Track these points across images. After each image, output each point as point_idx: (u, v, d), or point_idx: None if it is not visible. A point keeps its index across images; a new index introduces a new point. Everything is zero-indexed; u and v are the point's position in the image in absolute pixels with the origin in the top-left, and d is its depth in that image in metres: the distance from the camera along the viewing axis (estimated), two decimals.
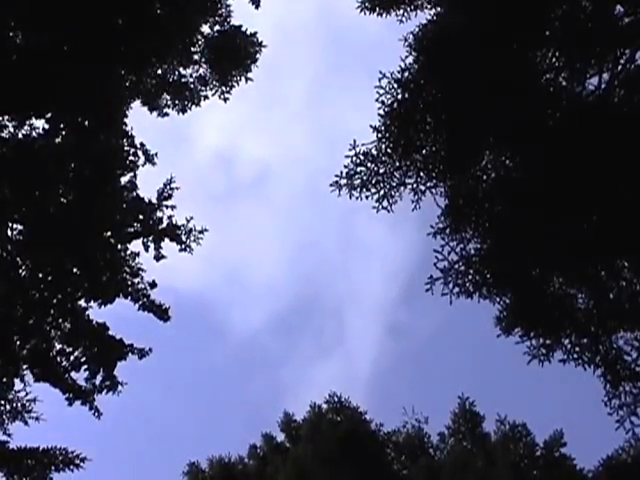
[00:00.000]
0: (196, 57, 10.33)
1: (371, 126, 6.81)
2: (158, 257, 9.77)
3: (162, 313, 9.78)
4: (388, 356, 24.90)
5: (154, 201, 9.81)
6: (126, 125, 9.69)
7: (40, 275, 9.23)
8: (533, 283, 6.82)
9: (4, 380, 9.01)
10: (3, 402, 9.02)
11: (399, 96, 6.76)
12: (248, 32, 10.23)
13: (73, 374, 9.49)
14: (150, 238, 9.72)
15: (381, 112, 6.76)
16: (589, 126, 6.25)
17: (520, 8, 6.53)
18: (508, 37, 6.56)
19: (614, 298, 6.82)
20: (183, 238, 9.78)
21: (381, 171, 6.89)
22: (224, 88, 10.52)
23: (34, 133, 9.17)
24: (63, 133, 9.23)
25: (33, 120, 9.16)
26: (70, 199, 9.28)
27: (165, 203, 9.82)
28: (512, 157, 6.81)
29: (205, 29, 10.21)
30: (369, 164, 6.87)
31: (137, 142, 9.73)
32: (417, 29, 7.01)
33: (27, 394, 9.12)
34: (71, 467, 9.16)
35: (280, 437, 13.94)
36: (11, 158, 8.80)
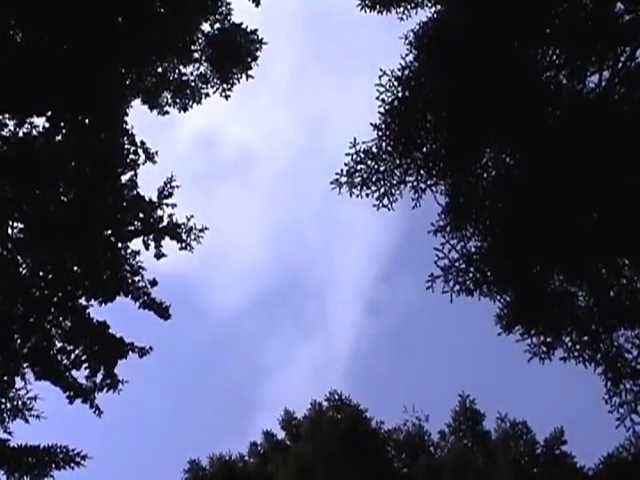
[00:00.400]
0: (196, 55, 10.33)
1: (371, 124, 6.82)
2: (158, 255, 9.77)
3: (162, 311, 9.79)
4: (368, 335, 25.13)
5: (154, 199, 9.81)
6: (126, 123, 9.70)
7: (41, 273, 9.24)
8: (533, 281, 6.82)
9: (5, 378, 9.02)
10: (4, 400, 9.03)
11: (399, 94, 6.76)
12: (248, 30, 10.23)
13: (74, 372, 9.51)
14: (150, 236, 9.72)
15: (381, 110, 6.76)
16: (589, 124, 6.25)
17: (520, 5, 6.53)
18: (508, 35, 6.56)
19: (614, 296, 6.82)
20: (183, 236, 9.79)
21: (381, 169, 6.89)
22: (225, 86, 10.52)
23: (34, 131, 9.17)
24: (63, 131, 9.23)
25: (33, 118, 9.17)
26: (70, 197, 9.29)
27: (165, 201, 9.83)
28: (512, 155, 6.81)
29: (205, 27, 10.22)
30: (369, 162, 6.87)
31: (137, 140, 9.75)
32: (417, 27, 7.01)
33: (28, 392, 9.14)
34: (72, 465, 9.17)
35: (280, 435, 13.97)
36: (11, 156, 8.81)
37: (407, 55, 6.85)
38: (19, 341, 9.14)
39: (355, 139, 6.84)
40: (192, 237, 9.77)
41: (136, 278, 9.58)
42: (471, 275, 6.74)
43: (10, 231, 9.15)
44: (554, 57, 6.71)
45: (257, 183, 24.95)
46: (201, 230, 9.81)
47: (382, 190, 6.91)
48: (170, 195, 9.80)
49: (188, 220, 9.79)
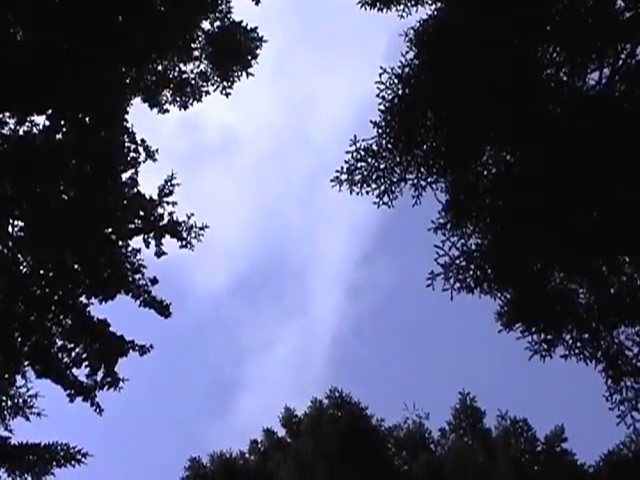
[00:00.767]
0: (196, 53, 10.33)
1: (371, 121, 6.81)
2: (159, 253, 9.78)
3: (163, 309, 9.80)
4: (349, 317, 25.32)
5: (155, 197, 9.82)
6: (127, 122, 9.70)
7: (41, 272, 9.25)
8: (534, 278, 6.82)
9: (6, 376, 9.03)
10: (5, 398, 9.04)
11: (400, 92, 6.76)
12: (248, 28, 10.23)
13: (74, 370, 9.52)
14: (151, 234, 9.73)
15: (382, 107, 6.76)
16: (590, 121, 6.25)
17: (521, 3, 6.53)
18: (508, 32, 6.55)
19: (615, 293, 6.82)
20: (184, 235, 9.80)
21: (382, 167, 6.89)
22: (225, 84, 10.52)
23: (35, 130, 9.18)
24: (64, 130, 9.24)
25: (34, 117, 9.17)
26: (71, 196, 9.30)
27: (166, 200, 9.83)
28: (513, 153, 6.81)
29: (206, 25, 10.21)
30: (370, 160, 6.87)
31: (138, 139, 9.75)
32: (418, 24, 7.00)
33: (28, 390, 9.15)
34: (72, 462, 9.19)
35: (281, 432, 13.98)
36: (12, 155, 8.81)
37: (407, 53, 6.85)
38: (20, 339, 9.15)
39: (355, 136, 6.85)
40: (192, 235, 9.79)
41: (136, 276, 9.59)
42: (471, 273, 6.74)
43: (10, 229, 9.16)
44: (554, 54, 6.70)
45: (241, 166, 25.06)
46: (201, 228, 9.83)
47: (382, 188, 6.91)
48: (170, 193, 9.82)
49: (188, 218, 9.81)
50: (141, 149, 9.74)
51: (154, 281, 9.74)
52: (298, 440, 13.36)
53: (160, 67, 10.25)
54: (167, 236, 9.79)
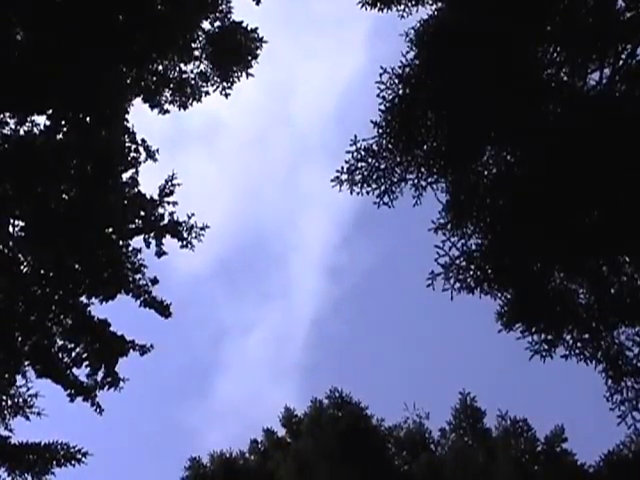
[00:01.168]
0: (197, 53, 10.33)
1: (372, 121, 6.81)
2: (159, 253, 9.79)
3: (163, 309, 9.80)
4: (328, 299, 25.47)
5: (155, 197, 9.83)
6: (127, 121, 9.71)
7: (41, 271, 9.25)
8: (534, 278, 6.82)
9: (6, 376, 9.03)
10: (5, 397, 9.05)
11: (400, 92, 6.76)
12: (249, 28, 10.23)
13: (74, 370, 9.52)
14: (151, 234, 9.74)
15: (382, 107, 6.76)
16: (590, 122, 6.25)
17: (521, 3, 6.53)
18: (509, 33, 6.55)
19: (615, 294, 6.82)
20: (184, 235, 9.80)
21: (382, 167, 6.89)
22: (225, 84, 10.52)
23: (35, 130, 9.18)
24: (64, 130, 9.24)
25: (35, 117, 9.18)
26: (71, 196, 9.30)
27: (166, 199, 9.84)
28: (513, 153, 6.81)
29: (206, 25, 10.22)
30: (370, 160, 6.86)
31: (138, 139, 9.76)
32: (418, 24, 7.00)
33: (28, 389, 9.15)
34: (72, 462, 9.19)
35: (281, 432, 13.99)
36: (13, 155, 8.81)
37: (408, 53, 6.85)
38: (20, 339, 9.15)
39: (355, 136, 6.85)
40: (193, 235, 9.79)
41: (137, 276, 9.60)
42: (472, 273, 6.74)
43: (11, 229, 9.17)
44: (555, 55, 6.70)
45: (222, 150, 25.09)
46: (202, 228, 9.83)
47: (383, 188, 6.91)
48: (171, 193, 9.82)
49: (189, 218, 9.82)
50: (141, 149, 9.75)
51: (154, 281, 9.75)
52: (298, 440, 13.36)
53: (160, 67, 10.26)
54: (167, 236, 9.80)
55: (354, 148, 6.83)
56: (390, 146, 6.84)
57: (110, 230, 9.48)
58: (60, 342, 9.43)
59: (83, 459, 9.21)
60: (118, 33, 8.92)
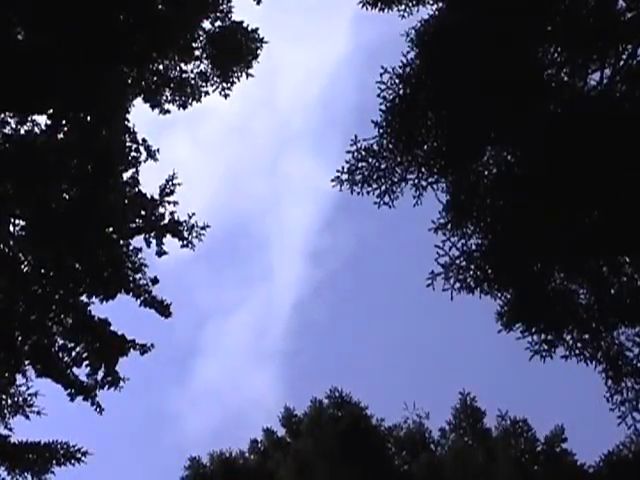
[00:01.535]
0: (197, 53, 10.33)
1: (372, 121, 6.81)
2: (160, 253, 9.79)
3: (163, 309, 9.80)
4: (310, 282, 25.45)
5: (156, 197, 9.83)
6: (128, 121, 9.71)
7: (42, 271, 9.25)
8: (534, 279, 6.82)
9: (6, 375, 9.04)
10: (5, 396, 9.05)
11: (401, 91, 6.76)
12: (249, 28, 10.24)
13: (75, 370, 9.52)
14: (152, 234, 9.74)
15: (382, 107, 6.76)
16: (591, 122, 6.25)
17: (522, 3, 6.53)
18: (509, 32, 6.55)
19: (615, 294, 6.82)
20: (185, 234, 9.81)
21: (382, 167, 6.89)
22: (224, 84, 10.52)
23: (36, 129, 9.19)
24: (65, 129, 9.24)
25: (35, 116, 9.18)
26: (72, 195, 9.30)
27: (167, 199, 9.84)
28: (513, 153, 6.81)
29: (206, 25, 10.22)
30: (370, 159, 6.87)
31: (139, 138, 9.76)
32: (419, 24, 7.00)
33: (28, 388, 9.16)
34: (72, 461, 9.20)
35: (281, 432, 13.99)
36: (13, 154, 8.82)
37: (408, 52, 6.85)
38: (20, 338, 9.15)
39: (356, 136, 6.85)
40: (194, 235, 9.80)
41: (137, 276, 9.60)
42: (472, 273, 6.74)
43: (12, 228, 9.17)
44: (555, 55, 6.70)
45: (206, 135, 25.13)
46: (202, 228, 9.84)
47: (383, 188, 6.91)
48: (172, 193, 9.82)
49: (190, 217, 9.82)
50: (142, 148, 9.75)
51: (155, 281, 9.75)
52: (298, 440, 13.36)
53: (161, 66, 10.26)
54: (168, 235, 9.80)
55: (354, 148, 6.84)
56: (390, 146, 6.85)
57: (110, 229, 9.48)
58: (60, 341, 9.44)
59: (83, 458, 9.22)
60: (118, 33, 8.92)
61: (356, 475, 12.26)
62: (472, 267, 6.72)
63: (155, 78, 10.30)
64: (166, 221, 9.79)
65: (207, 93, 10.63)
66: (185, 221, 9.79)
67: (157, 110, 10.57)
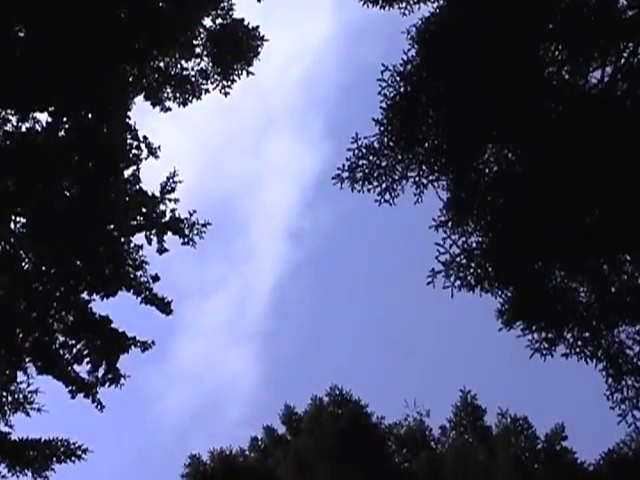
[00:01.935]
0: (198, 50, 10.33)
1: (373, 119, 6.82)
2: (161, 250, 9.79)
3: (164, 306, 9.81)
4: (289, 263, 25.31)
5: (157, 194, 9.83)
6: (129, 118, 9.71)
7: (43, 268, 9.26)
8: (535, 277, 6.82)
9: (7, 372, 9.05)
10: (5, 393, 9.06)
11: (401, 89, 6.76)
12: (250, 26, 10.23)
13: (76, 367, 9.53)
14: (153, 231, 9.74)
15: (383, 105, 6.76)
16: (592, 120, 6.25)
17: (522, 1, 6.53)
18: (510, 30, 6.55)
19: (616, 292, 6.82)
20: (186, 231, 9.81)
21: (383, 164, 6.90)
22: (225, 82, 10.52)
23: (37, 127, 9.19)
24: (66, 127, 9.25)
25: (36, 114, 9.18)
26: (73, 192, 9.31)
27: (168, 196, 9.84)
28: (514, 151, 6.81)
29: (207, 22, 10.22)
30: (371, 157, 6.87)
31: (140, 135, 9.76)
32: (419, 22, 7.00)
33: (29, 385, 9.17)
34: (73, 458, 9.21)
35: (281, 430, 14.00)
36: (14, 152, 8.82)
37: (409, 50, 6.85)
38: (21, 335, 9.16)
39: (357, 134, 6.85)
40: (194, 232, 9.80)
41: (138, 273, 9.61)
42: (472, 271, 6.74)
43: (13, 226, 9.18)
44: (556, 53, 6.70)
45: (189, 116, 25.18)
46: (203, 225, 9.84)
47: (384, 185, 6.91)
48: (173, 190, 9.83)
49: (191, 215, 9.82)
50: (143, 146, 9.76)
51: (155, 278, 9.76)
52: (298, 438, 13.38)
53: (162, 63, 10.26)
54: (169, 233, 9.80)
55: (355, 146, 6.84)
56: (391, 144, 6.85)
57: (111, 227, 9.49)
58: (61, 339, 9.45)
59: (83, 455, 9.23)
60: (119, 30, 8.92)
61: (356, 473, 12.28)
62: (472, 265, 6.72)
63: (156, 76, 10.30)
64: (167, 218, 9.79)
65: (207, 90, 10.63)
66: (186, 218, 9.80)
67: (158, 107, 10.58)
